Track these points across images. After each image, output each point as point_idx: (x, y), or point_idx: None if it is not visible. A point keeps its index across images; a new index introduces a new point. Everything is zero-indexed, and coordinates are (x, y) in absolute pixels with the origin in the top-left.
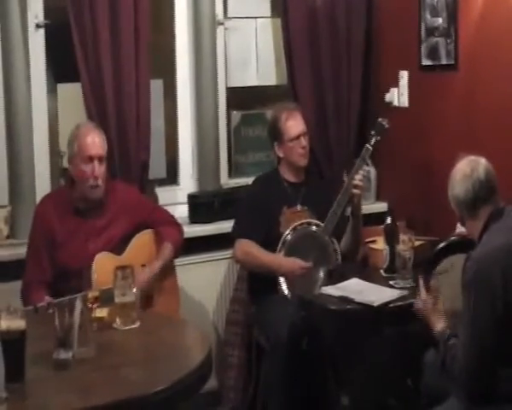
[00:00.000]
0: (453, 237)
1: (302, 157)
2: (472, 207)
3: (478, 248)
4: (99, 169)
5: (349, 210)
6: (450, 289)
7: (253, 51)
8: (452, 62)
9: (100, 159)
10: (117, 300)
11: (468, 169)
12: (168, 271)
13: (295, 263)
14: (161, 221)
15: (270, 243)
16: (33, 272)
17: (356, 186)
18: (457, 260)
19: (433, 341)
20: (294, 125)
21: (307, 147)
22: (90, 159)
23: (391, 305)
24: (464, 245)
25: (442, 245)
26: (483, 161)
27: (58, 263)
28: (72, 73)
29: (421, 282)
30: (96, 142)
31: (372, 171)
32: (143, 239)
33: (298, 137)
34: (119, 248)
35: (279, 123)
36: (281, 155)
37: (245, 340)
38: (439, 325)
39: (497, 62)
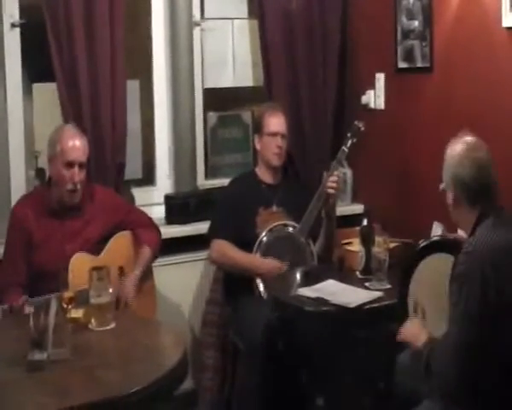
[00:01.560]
0: (434, 238)
1: (275, 156)
2: (474, 195)
3: (471, 241)
4: (79, 175)
5: (323, 212)
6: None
7: (229, 52)
8: (428, 65)
9: (80, 165)
10: (92, 301)
11: (483, 155)
12: (146, 274)
13: (271, 264)
14: (139, 223)
15: (246, 244)
16: (9, 275)
17: (331, 188)
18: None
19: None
20: (275, 122)
21: (283, 149)
22: (71, 164)
23: (366, 307)
24: (445, 245)
25: (423, 244)
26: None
27: (34, 264)
28: (48, 74)
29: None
30: (78, 147)
31: (348, 172)
32: (121, 241)
33: (275, 135)
34: (96, 249)
35: (263, 116)
36: (258, 147)
37: (221, 341)
38: (423, 337)
39: (471, 65)
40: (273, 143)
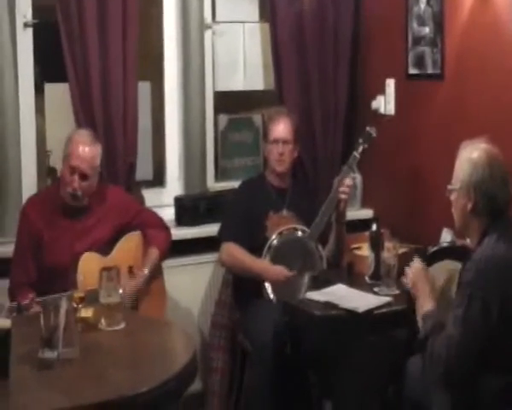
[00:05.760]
0: (445, 244)
1: (277, 162)
2: (496, 207)
3: (479, 250)
4: (79, 184)
5: (333, 216)
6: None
7: (240, 56)
8: (438, 72)
9: (83, 176)
10: (102, 301)
11: (506, 168)
12: (155, 274)
13: (279, 271)
14: (149, 224)
15: (256, 248)
16: (19, 274)
17: (343, 193)
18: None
19: (416, 349)
20: (276, 129)
21: (285, 155)
22: (73, 169)
23: (375, 312)
24: (455, 252)
25: (432, 250)
26: None
27: (44, 263)
28: (60, 73)
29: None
30: (84, 156)
31: (358, 178)
32: (131, 241)
33: (277, 142)
34: (105, 249)
35: (268, 122)
36: (265, 153)
37: (229, 343)
38: (428, 304)
39: (482, 72)
40: (274, 149)
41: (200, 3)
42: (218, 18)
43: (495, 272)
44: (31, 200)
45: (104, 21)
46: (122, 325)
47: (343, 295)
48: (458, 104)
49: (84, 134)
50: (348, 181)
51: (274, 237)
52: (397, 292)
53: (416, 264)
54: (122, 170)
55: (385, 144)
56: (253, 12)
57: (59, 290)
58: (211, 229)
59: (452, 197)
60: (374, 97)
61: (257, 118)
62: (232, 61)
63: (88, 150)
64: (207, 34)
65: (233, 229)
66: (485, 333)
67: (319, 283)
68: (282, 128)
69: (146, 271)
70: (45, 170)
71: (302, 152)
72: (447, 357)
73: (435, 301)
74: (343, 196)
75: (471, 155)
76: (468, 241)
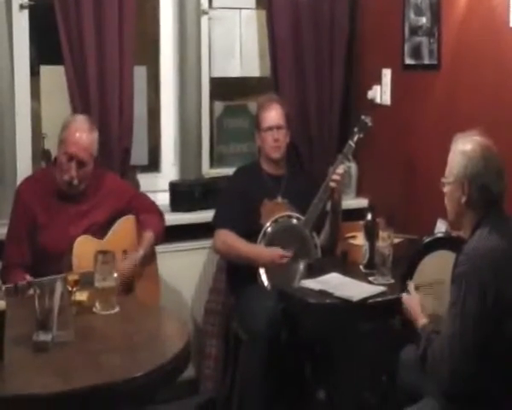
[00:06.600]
0: (438, 234)
1: (273, 149)
2: (490, 200)
3: (471, 243)
4: (76, 171)
5: (329, 205)
6: (432, 302)
7: (237, 42)
8: (435, 62)
9: (81, 163)
10: (97, 284)
11: (500, 160)
12: (149, 258)
13: (275, 252)
14: (143, 208)
15: (250, 235)
16: (13, 255)
17: (334, 181)
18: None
19: (410, 338)
20: (268, 116)
21: (280, 141)
22: (70, 157)
23: (369, 301)
24: (450, 242)
25: (427, 240)
26: None
27: (38, 246)
28: (56, 56)
29: (411, 284)
30: (81, 143)
31: (353, 167)
32: (125, 225)
33: (271, 129)
34: (100, 234)
35: (259, 111)
36: (258, 143)
37: (223, 330)
38: (422, 320)
39: (479, 63)
40: (269, 137)
41: None
42: (214, 4)
43: (489, 266)
44: (25, 182)
45: (101, 5)
46: (116, 309)
47: (338, 284)
48: (454, 95)
49: (82, 120)
50: (340, 170)
51: (269, 224)
52: (391, 281)
53: (411, 292)
54: (117, 154)
55: (380, 134)
56: None
57: (53, 273)
58: (205, 215)
59: (446, 190)
60: (370, 87)
61: (252, 105)
62: (228, 47)
63: (85, 137)
64: (204, 20)
65: (227, 216)
66: (483, 327)
67: (314, 271)
68: (274, 115)
69: (141, 251)
70: (40, 153)
71: (298, 140)
72: (451, 357)
73: (427, 317)
74: (332, 185)
75: (465, 147)
76: (462, 232)
